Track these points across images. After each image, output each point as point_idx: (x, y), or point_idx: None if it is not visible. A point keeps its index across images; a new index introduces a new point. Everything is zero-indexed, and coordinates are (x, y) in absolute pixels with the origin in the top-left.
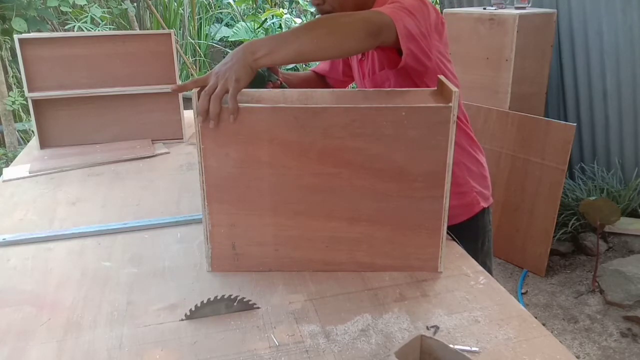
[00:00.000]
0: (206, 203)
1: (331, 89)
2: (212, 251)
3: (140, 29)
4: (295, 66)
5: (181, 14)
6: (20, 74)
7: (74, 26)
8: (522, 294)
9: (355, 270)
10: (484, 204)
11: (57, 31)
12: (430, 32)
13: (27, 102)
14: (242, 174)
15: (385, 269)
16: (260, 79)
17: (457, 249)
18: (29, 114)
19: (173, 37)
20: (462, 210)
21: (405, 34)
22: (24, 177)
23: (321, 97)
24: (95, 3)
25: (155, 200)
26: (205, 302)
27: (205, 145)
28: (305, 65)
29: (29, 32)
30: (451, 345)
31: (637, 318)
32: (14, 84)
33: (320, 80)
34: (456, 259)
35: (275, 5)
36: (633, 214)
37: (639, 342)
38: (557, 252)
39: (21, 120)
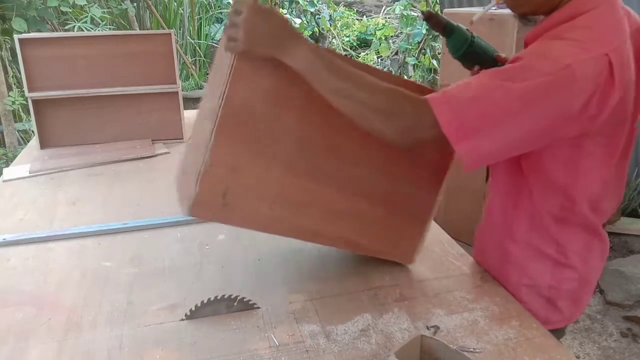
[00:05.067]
0: (214, 135)
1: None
2: (200, 194)
3: (140, 29)
4: None
5: (181, 14)
6: (20, 74)
7: (74, 26)
8: None
9: (339, 248)
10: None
11: (57, 31)
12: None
13: (27, 102)
14: (268, 112)
15: (367, 252)
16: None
17: (457, 249)
18: (29, 114)
19: (173, 37)
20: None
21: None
22: (24, 177)
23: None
24: (95, 3)
25: (155, 200)
26: (205, 302)
27: (240, 65)
28: None
29: (29, 32)
30: (451, 345)
31: (637, 318)
32: (14, 84)
33: None
34: (456, 259)
35: (275, 5)
36: (633, 214)
37: (639, 342)
38: None
39: (21, 120)
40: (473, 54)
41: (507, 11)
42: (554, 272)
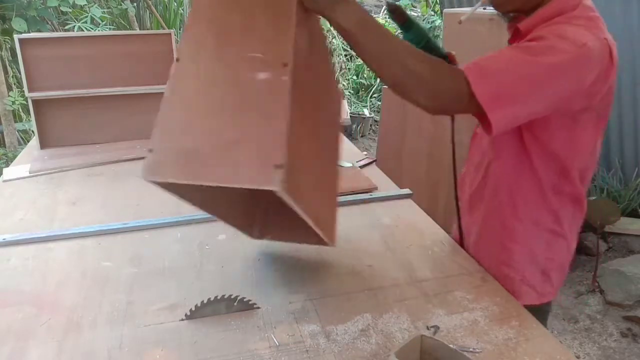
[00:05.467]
0: (288, 88)
1: None
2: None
3: (140, 29)
4: None
5: (181, 14)
6: (20, 74)
7: (74, 26)
8: None
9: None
10: (533, 300)
11: (57, 31)
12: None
13: (27, 102)
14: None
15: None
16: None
17: (457, 249)
18: (29, 114)
19: (173, 37)
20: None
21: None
22: (24, 177)
23: None
24: (95, 3)
25: (155, 200)
26: (205, 302)
27: (298, 13)
28: None
29: (29, 32)
30: (451, 345)
31: (637, 318)
32: (14, 84)
33: None
34: (456, 259)
35: None
36: (633, 214)
37: (639, 342)
38: None
39: (21, 120)
40: (428, 50)
41: None
42: (550, 243)
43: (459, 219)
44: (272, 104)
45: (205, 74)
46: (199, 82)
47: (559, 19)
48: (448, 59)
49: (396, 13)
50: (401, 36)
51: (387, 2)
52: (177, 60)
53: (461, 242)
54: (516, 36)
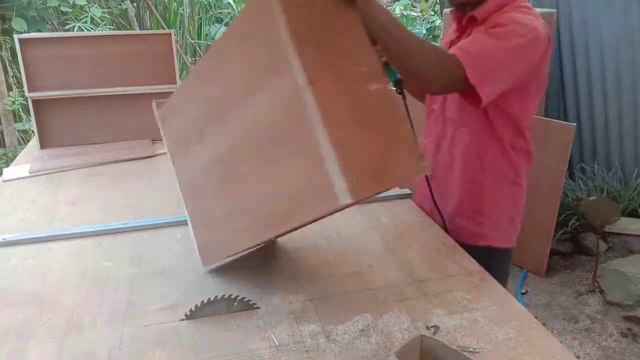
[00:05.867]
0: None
1: None
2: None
3: (140, 29)
4: None
5: (181, 14)
6: (20, 74)
7: (74, 26)
8: (522, 294)
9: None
10: (495, 243)
11: (57, 31)
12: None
13: (27, 102)
14: None
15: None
16: None
17: (457, 249)
18: (29, 114)
19: (173, 37)
20: (472, 235)
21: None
22: (24, 177)
23: None
24: (95, 3)
25: (155, 200)
26: (205, 302)
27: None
28: None
29: (29, 32)
30: (451, 345)
31: (637, 318)
32: (14, 84)
33: None
34: (456, 259)
35: None
36: (633, 214)
37: (639, 342)
38: (557, 252)
39: (21, 120)
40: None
41: None
42: (512, 193)
43: (429, 186)
44: (393, 111)
45: (343, 90)
46: (344, 97)
47: (508, 8)
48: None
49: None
50: None
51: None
52: (312, 84)
53: (437, 210)
54: (471, 22)
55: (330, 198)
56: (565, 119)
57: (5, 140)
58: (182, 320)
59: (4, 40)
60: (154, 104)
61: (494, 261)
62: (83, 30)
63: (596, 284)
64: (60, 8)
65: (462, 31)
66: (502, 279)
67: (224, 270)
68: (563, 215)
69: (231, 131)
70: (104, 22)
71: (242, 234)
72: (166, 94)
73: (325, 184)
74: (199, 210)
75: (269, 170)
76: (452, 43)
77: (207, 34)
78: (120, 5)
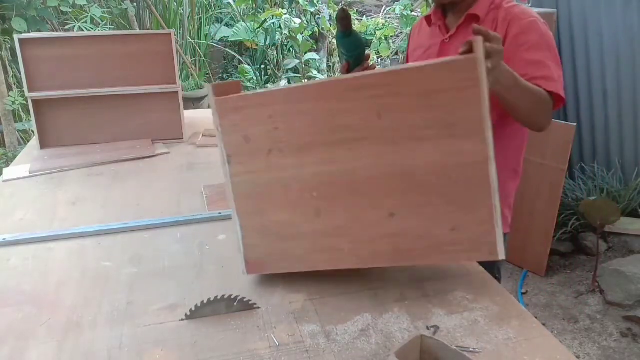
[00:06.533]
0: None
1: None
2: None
3: (140, 29)
4: None
5: (181, 14)
6: (20, 74)
7: (74, 26)
8: (522, 294)
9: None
10: (504, 229)
11: (57, 31)
12: None
13: (27, 102)
14: None
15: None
16: (359, 43)
17: None
18: (29, 114)
19: (173, 37)
20: None
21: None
22: (24, 177)
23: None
24: (95, 3)
25: (155, 200)
26: (205, 302)
27: None
28: None
29: (29, 32)
30: (451, 345)
31: (637, 318)
32: (14, 84)
33: None
34: None
35: (275, 5)
36: (633, 214)
37: (639, 342)
38: (557, 252)
39: (21, 120)
40: (358, 56)
41: None
42: (512, 180)
43: None
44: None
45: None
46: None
47: (502, 2)
48: (366, 57)
49: (346, 21)
50: (341, 40)
51: (341, 9)
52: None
53: None
54: (471, 21)
55: (491, 253)
56: (565, 119)
57: (5, 140)
58: (182, 320)
59: (4, 40)
60: (210, 87)
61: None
62: (83, 30)
63: (596, 284)
64: (60, 8)
65: (458, 31)
66: (501, 264)
67: (224, 270)
68: (563, 215)
69: (365, 161)
70: (104, 22)
71: (316, 255)
72: (166, 94)
73: (490, 241)
74: (258, 217)
75: (415, 209)
76: (443, 45)
77: (207, 34)
78: (120, 5)
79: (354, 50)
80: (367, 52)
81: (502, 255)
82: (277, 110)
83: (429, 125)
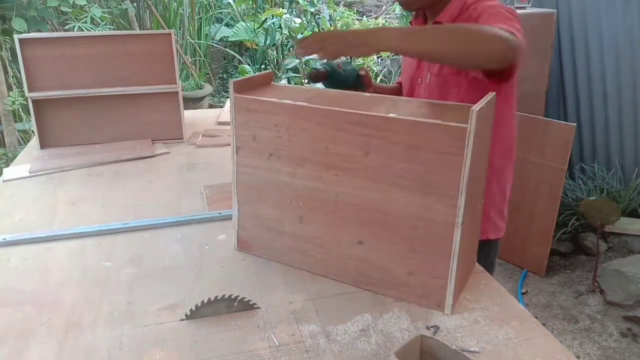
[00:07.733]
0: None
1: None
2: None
3: (140, 29)
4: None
5: (181, 14)
6: (20, 74)
7: (74, 26)
8: (522, 294)
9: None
10: (491, 235)
11: (57, 31)
12: None
13: (27, 102)
14: None
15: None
16: (344, 81)
17: None
18: (29, 114)
19: (173, 37)
20: None
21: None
22: (24, 177)
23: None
24: (95, 3)
25: (156, 200)
26: (205, 302)
27: None
28: None
29: (29, 32)
30: (451, 346)
31: (637, 318)
32: (14, 84)
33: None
34: None
35: (275, 5)
36: (633, 214)
37: (639, 342)
38: (557, 252)
39: (21, 120)
40: (356, 82)
41: None
42: (500, 182)
43: None
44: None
45: (470, 226)
46: (467, 232)
47: (474, 3)
48: (363, 78)
49: (318, 77)
50: (329, 86)
51: (309, 73)
52: (463, 224)
53: None
54: None
55: (439, 306)
56: (565, 119)
57: (5, 140)
58: (182, 320)
59: (4, 40)
60: (231, 83)
61: (487, 252)
62: (83, 30)
63: (596, 284)
64: (60, 8)
65: None
66: (491, 269)
67: (224, 270)
68: (563, 215)
69: (347, 189)
70: (104, 22)
71: (293, 254)
72: (166, 94)
73: (440, 294)
74: (254, 206)
75: (381, 244)
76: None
77: (207, 34)
78: (120, 5)
79: (343, 84)
80: (360, 72)
81: (447, 311)
82: (283, 121)
83: (408, 176)
